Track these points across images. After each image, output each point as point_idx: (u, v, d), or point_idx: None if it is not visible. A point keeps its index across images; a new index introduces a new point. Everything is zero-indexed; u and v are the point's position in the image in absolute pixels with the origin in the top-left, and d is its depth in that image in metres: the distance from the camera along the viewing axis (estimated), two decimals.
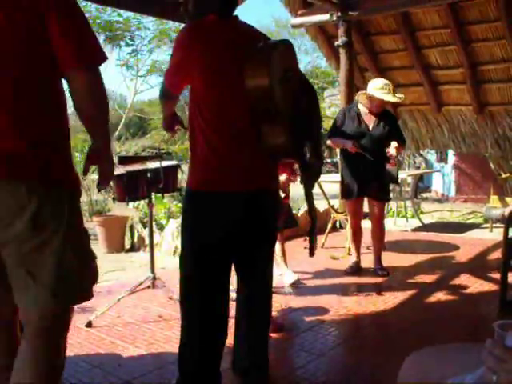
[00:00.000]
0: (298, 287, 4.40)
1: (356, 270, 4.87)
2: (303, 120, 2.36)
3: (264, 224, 2.45)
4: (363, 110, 4.70)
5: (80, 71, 1.72)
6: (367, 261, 5.01)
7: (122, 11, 9.26)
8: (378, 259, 4.88)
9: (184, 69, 2.25)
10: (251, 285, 2.55)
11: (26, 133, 1.64)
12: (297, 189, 5.67)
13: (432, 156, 15.50)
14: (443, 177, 13.99)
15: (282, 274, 4.35)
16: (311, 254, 2.55)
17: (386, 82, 4.65)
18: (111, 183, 3.45)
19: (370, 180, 4.65)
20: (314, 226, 2.59)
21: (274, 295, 4.06)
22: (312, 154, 2.38)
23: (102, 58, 1.78)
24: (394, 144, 4.47)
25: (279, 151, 2.31)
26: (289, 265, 4.67)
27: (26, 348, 1.72)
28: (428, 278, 4.66)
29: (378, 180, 4.65)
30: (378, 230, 4.89)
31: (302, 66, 30.56)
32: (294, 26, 7.94)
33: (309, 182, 2.52)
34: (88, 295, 1.84)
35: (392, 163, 4.59)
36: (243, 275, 2.56)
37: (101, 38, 10.51)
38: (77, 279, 1.76)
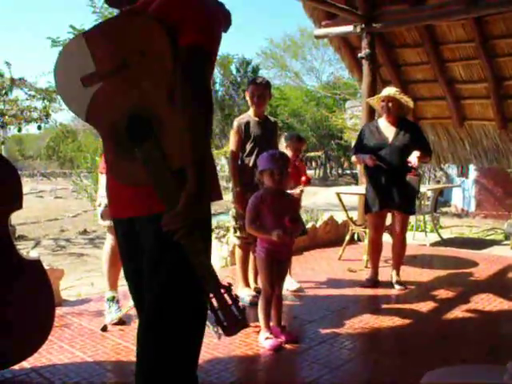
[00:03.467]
0: (299, 295, 4.45)
1: (373, 283, 4.82)
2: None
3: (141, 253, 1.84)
4: (383, 122, 4.71)
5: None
6: (385, 274, 4.95)
7: None
8: (396, 273, 4.83)
9: None
10: (141, 317, 1.95)
11: None
12: (314, 200, 5.68)
13: (453, 170, 15.37)
14: (463, 192, 13.86)
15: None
16: (224, 333, 1.73)
17: (395, 88, 4.81)
18: None
19: (393, 192, 4.57)
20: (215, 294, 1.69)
21: (287, 305, 4.08)
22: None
23: None
24: (415, 153, 4.40)
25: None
26: (305, 275, 4.66)
27: None
28: (446, 294, 4.60)
29: (401, 192, 4.55)
30: (399, 244, 4.82)
31: (324, 77, 30.67)
32: (317, 37, 7.95)
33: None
34: None
35: (413, 172, 4.49)
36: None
37: None
38: None
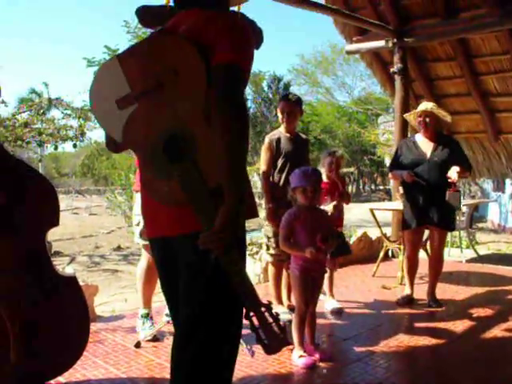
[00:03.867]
0: (338, 315, 4.38)
1: (408, 301, 4.72)
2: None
3: (175, 272, 1.88)
4: (420, 138, 4.64)
5: None
6: (420, 291, 4.86)
7: None
8: (432, 291, 4.73)
9: None
10: (177, 332, 1.95)
11: None
12: (347, 216, 5.65)
13: (488, 185, 15.09)
14: (500, 206, 13.58)
15: (322, 300, 4.30)
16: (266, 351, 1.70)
17: (432, 103, 4.75)
18: None
19: (432, 209, 4.47)
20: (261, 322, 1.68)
21: (321, 323, 4.03)
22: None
23: None
24: (455, 168, 4.28)
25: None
26: (339, 292, 4.61)
27: None
28: (483, 313, 4.48)
29: (441, 208, 4.44)
30: (437, 260, 4.71)
31: (356, 92, 30.57)
32: (348, 53, 7.94)
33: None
34: None
35: (453, 188, 4.38)
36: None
37: None
38: None
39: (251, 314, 1.67)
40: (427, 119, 4.52)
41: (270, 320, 1.66)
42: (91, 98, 1.87)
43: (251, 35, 1.82)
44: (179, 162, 1.65)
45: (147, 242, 3.63)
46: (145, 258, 3.74)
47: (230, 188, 1.60)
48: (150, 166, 1.78)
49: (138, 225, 3.72)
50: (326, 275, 4.54)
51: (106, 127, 1.87)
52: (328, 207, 4.19)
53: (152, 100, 1.72)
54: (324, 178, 4.48)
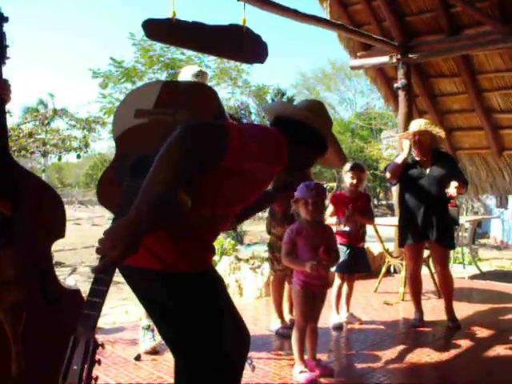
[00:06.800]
0: (339, 330, 4.36)
1: (422, 322, 4.53)
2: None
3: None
4: (417, 155, 4.56)
5: None
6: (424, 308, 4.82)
7: (184, 50, 9.62)
8: (448, 310, 4.55)
9: None
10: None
11: None
12: None
13: (491, 201, 15.10)
14: (503, 223, 13.57)
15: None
16: None
17: (424, 120, 4.70)
18: None
19: (430, 224, 4.41)
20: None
21: (323, 338, 4.01)
22: None
23: None
24: (453, 184, 4.23)
25: None
26: (340, 307, 4.57)
27: None
28: (486, 331, 4.43)
29: (439, 223, 4.40)
30: (444, 279, 4.58)
31: (358, 108, 30.65)
32: (353, 68, 7.98)
33: None
34: None
35: (452, 203, 4.36)
36: None
37: (163, 76, 10.87)
38: None
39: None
40: (422, 138, 4.45)
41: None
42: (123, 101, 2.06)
43: (265, 146, 1.75)
44: (136, 177, 1.64)
45: None
46: None
47: (136, 204, 1.49)
48: (115, 173, 1.86)
49: None
50: (344, 291, 4.55)
51: (114, 124, 1.96)
52: (330, 222, 4.20)
53: (157, 122, 1.83)
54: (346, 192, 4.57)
